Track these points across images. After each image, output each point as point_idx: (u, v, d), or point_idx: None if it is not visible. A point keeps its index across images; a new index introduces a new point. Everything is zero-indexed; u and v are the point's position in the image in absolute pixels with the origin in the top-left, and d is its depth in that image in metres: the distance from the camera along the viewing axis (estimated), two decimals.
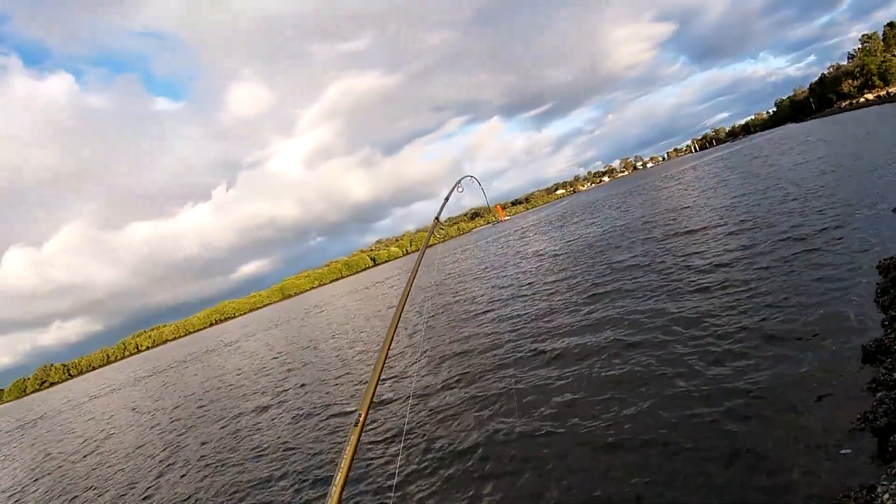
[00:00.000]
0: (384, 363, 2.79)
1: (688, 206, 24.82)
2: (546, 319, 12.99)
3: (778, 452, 5.08)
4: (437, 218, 5.07)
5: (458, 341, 14.28)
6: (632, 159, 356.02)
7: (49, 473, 17.11)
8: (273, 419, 13.16)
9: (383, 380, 12.79)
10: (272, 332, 43.90)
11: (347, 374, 15.15)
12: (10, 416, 72.53)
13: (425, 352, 14.48)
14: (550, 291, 16.20)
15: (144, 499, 10.66)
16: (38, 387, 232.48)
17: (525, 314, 14.40)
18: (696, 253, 14.24)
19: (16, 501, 15.10)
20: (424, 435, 8.57)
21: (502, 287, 20.67)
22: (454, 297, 22.79)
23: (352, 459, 2.19)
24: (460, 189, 5.90)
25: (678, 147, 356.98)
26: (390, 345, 2.87)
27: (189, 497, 9.99)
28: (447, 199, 5.55)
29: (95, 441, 20.13)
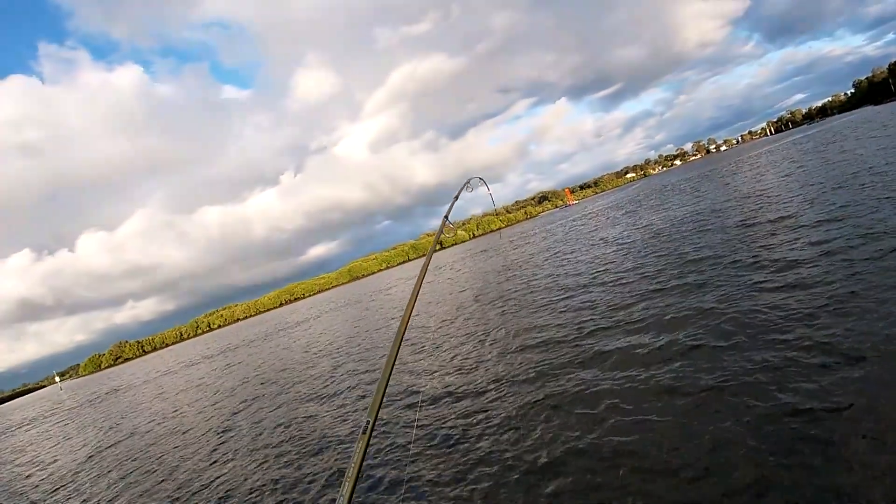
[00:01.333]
0: (392, 367, 2.76)
1: (763, 195, 23.54)
2: (600, 315, 12.36)
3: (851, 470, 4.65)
4: (445, 217, 5.04)
5: (486, 336, 14.14)
6: (704, 142, 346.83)
7: (113, 444, 18.03)
8: (315, 407, 13.32)
9: (398, 384, 12.74)
10: (337, 314, 44.58)
11: (400, 362, 15.23)
12: (85, 389, 75.87)
13: (456, 346, 14.28)
14: (609, 284, 15.47)
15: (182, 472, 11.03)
16: (112, 362, 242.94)
17: (576, 309, 13.79)
18: (770, 246, 13.23)
19: (83, 468, 15.91)
20: (436, 438, 8.46)
21: (557, 277, 20.09)
22: (502, 286, 22.74)
23: (360, 466, 2.22)
24: (469, 189, 5.94)
25: (752, 130, 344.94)
26: (398, 349, 2.85)
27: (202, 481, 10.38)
28: (455, 198, 5.63)
29: (159, 415, 21.18)
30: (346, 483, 2.14)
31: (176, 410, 21.42)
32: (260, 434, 12.65)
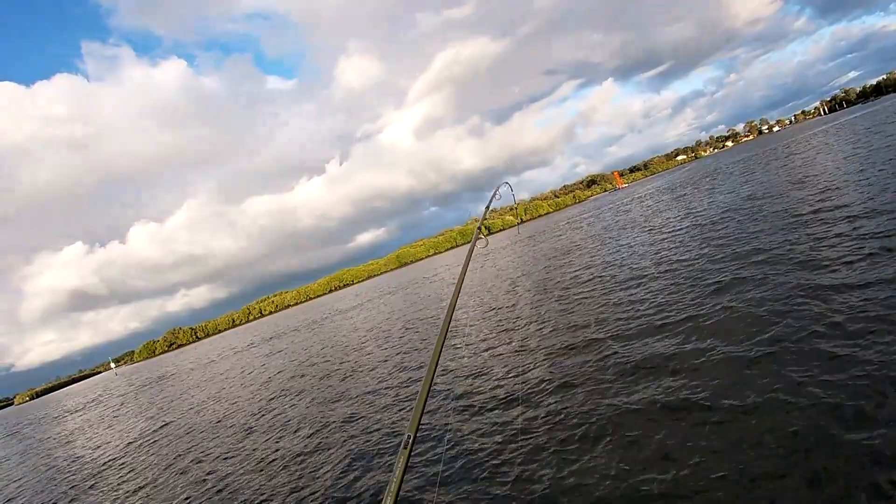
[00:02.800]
0: (431, 383, 2.72)
1: (818, 180, 21.62)
2: (646, 315, 11.69)
3: None
4: (480, 225, 5.08)
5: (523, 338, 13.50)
6: (757, 123, 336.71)
7: (157, 429, 18.77)
8: (355, 405, 13.12)
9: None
10: (383, 302, 44.70)
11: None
12: (139, 374, 78.41)
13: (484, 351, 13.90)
14: (658, 279, 14.53)
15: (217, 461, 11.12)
16: (166, 348, 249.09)
17: (622, 307, 13.03)
18: (826, 239, 12.16)
19: (128, 450, 16.39)
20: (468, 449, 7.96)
21: (603, 270, 19.44)
22: (544, 277, 22.26)
23: (401, 481, 2.17)
24: (498, 197, 6.25)
25: (806, 109, 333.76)
26: (438, 361, 2.83)
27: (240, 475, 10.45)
28: (487, 208, 5.82)
29: (203, 403, 21.77)
30: (388, 498, 2.11)
31: (218, 397, 22.13)
32: (298, 433, 12.53)
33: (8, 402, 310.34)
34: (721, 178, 45.44)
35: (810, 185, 21.63)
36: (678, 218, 27.04)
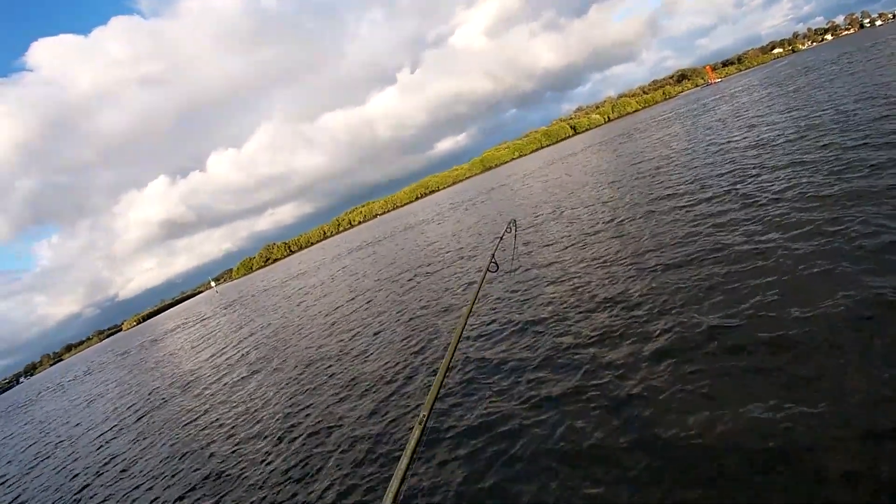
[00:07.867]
0: (450, 363, 2.59)
1: None
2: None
3: None
4: (492, 260, 4.69)
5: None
6: (858, 15, 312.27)
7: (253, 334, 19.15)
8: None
9: None
10: (471, 207, 43.95)
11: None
12: (234, 290, 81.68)
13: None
14: (748, 203, 11.04)
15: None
16: (263, 264, 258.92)
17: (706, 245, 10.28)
18: None
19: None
20: None
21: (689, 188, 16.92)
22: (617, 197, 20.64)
23: (413, 455, 2.09)
24: (509, 231, 6.25)
25: None
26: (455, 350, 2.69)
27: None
28: (500, 239, 5.74)
29: (291, 314, 22.68)
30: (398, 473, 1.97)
31: (302, 307, 23.39)
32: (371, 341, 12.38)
33: (116, 329, 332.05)
34: (822, 77, 39.81)
35: None
36: (771, 123, 25.94)
